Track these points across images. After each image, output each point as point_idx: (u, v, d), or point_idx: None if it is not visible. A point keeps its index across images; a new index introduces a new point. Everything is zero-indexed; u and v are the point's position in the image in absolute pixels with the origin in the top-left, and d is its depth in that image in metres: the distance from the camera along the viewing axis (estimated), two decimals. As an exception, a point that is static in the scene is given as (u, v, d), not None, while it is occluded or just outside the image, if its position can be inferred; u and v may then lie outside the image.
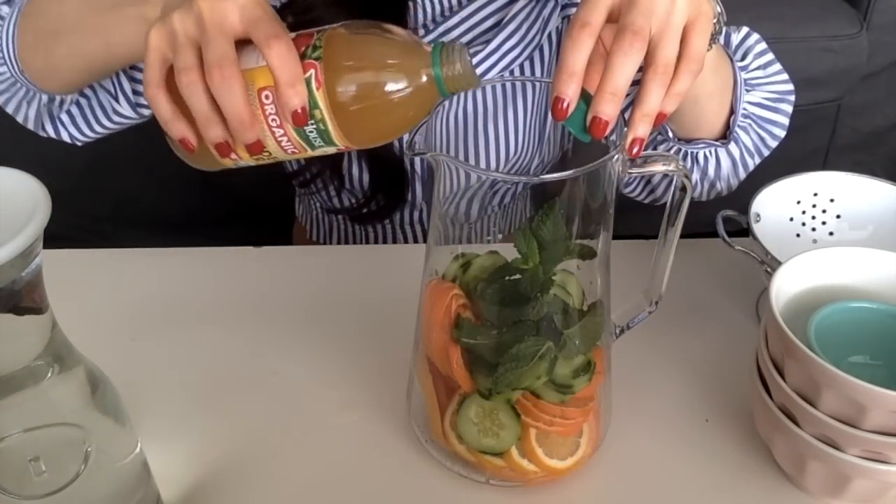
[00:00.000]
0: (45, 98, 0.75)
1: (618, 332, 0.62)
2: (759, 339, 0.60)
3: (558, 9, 0.86)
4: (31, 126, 0.79)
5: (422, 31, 0.83)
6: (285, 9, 0.80)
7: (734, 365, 0.69)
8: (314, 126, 0.51)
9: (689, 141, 0.76)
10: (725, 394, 0.68)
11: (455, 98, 0.80)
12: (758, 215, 0.73)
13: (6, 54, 0.71)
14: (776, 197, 0.76)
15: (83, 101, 0.77)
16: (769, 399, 0.59)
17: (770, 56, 0.80)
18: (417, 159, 0.86)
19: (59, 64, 0.69)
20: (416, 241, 0.97)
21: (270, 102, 0.51)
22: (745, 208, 0.73)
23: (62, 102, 0.77)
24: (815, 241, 0.78)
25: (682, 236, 0.59)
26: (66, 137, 0.79)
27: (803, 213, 0.78)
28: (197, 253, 0.84)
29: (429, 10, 0.82)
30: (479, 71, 0.84)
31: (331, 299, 0.78)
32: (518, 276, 0.56)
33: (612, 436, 0.63)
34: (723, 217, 0.73)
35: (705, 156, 0.78)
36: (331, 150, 0.53)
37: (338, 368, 0.71)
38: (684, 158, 0.78)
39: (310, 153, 0.53)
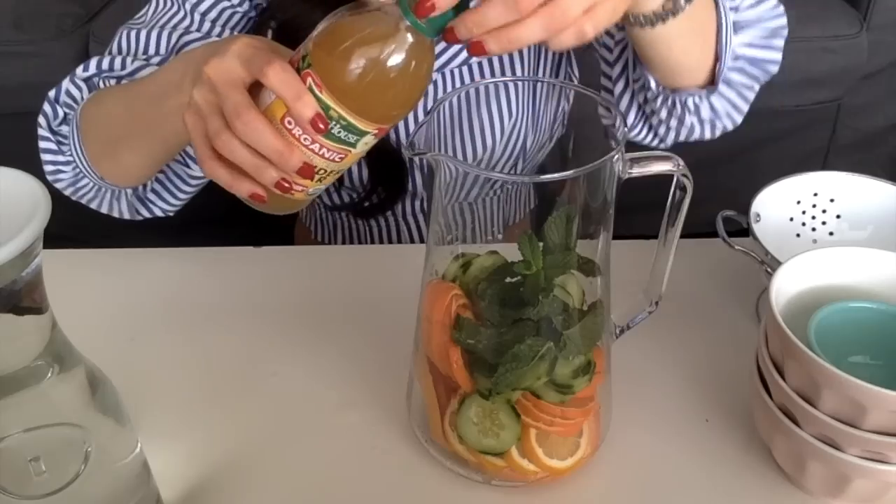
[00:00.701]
0: (129, 190, 0.81)
1: (618, 332, 0.62)
2: (759, 339, 0.60)
3: None
4: (126, 217, 0.84)
5: None
6: (265, 13, 0.82)
7: (734, 365, 0.69)
8: (337, 125, 0.52)
9: (674, 90, 0.75)
10: (725, 394, 0.68)
11: (446, 85, 0.82)
12: (758, 215, 0.73)
13: (83, 168, 0.78)
14: (776, 197, 0.76)
15: (161, 177, 0.82)
16: (769, 399, 0.59)
17: None
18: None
19: (128, 165, 0.75)
20: (419, 231, 0.97)
21: (294, 125, 0.53)
22: (745, 208, 0.73)
23: (145, 186, 0.82)
24: (815, 241, 0.77)
25: (682, 236, 0.59)
26: (159, 213, 0.84)
27: (803, 213, 0.78)
28: (197, 253, 0.84)
29: None
30: (465, 53, 0.83)
31: (331, 299, 0.78)
32: (519, 279, 0.56)
33: (612, 436, 0.63)
34: (723, 217, 0.73)
35: (695, 102, 0.77)
36: (370, 139, 0.54)
37: (338, 368, 0.71)
38: (673, 106, 0.77)
39: (356, 151, 0.54)
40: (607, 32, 0.81)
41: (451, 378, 0.57)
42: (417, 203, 0.95)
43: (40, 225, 0.40)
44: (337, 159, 0.54)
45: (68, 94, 0.80)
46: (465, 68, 0.86)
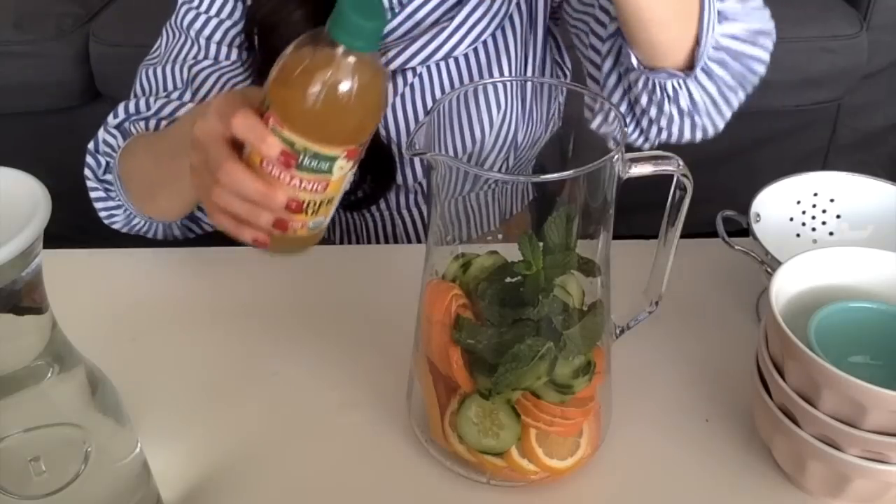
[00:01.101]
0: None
1: (618, 332, 0.62)
2: (759, 339, 0.60)
3: None
4: (180, 237, 0.89)
5: (389, 15, 0.84)
6: (248, 13, 0.84)
7: (734, 365, 0.69)
8: (305, 156, 0.54)
9: (653, 69, 0.75)
10: (725, 394, 0.68)
11: (432, 78, 0.83)
12: (758, 215, 0.73)
13: (132, 209, 0.85)
14: (776, 197, 0.76)
15: None
16: (769, 399, 0.59)
17: None
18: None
19: (167, 207, 0.80)
20: (414, 225, 0.97)
21: (271, 166, 0.55)
22: (745, 208, 0.73)
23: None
24: (815, 241, 0.77)
25: (682, 236, 0.59)
26: (209, 229, 0.88)
27: (803, 213, 0.78)
28: (197, 253, 0.84)
29: None
30: (448, 46, 0.85)
31: (331, 299, 0.78)
32: (519, 279, 0.56)
33: (612, 436, 0.63)
34: (723, 217, 0.73)
35: (674, 87, 0.75)
36: (343, 163, 0.55)
37: (338, 368, 0.71)
38: (653, 90, 0.76)
39: (335, 177, 0.56)
40: (600, 22, 0.82)
41: (450, 378, 0.57)
42: (412, 197, 0.95)
43: (40, 225, 0.40)
44: (319, 189, 0.56)
45: (105, 143, 0.85)
46: (451, 61, 0.86)
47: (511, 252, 0.56)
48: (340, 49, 0.52)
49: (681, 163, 0.55)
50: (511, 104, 0.87)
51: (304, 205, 0.56)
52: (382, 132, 0.88)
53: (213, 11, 0.86)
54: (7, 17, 1.73)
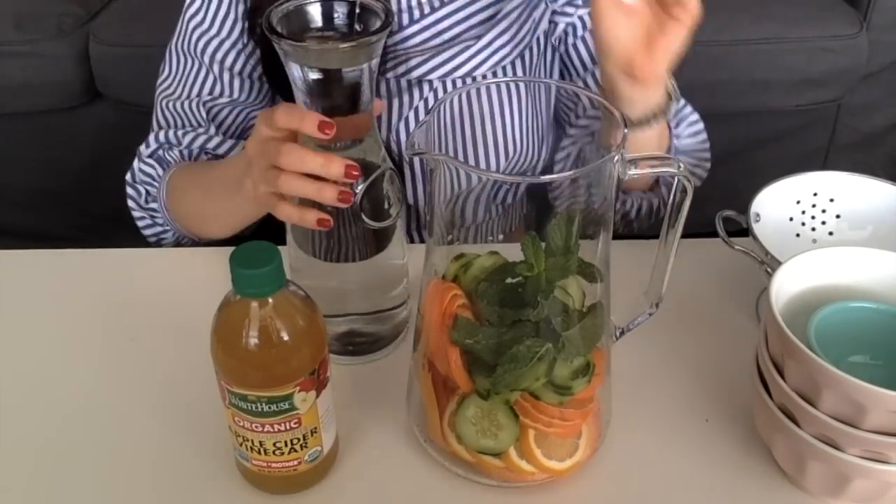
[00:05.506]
0: None
1: (618, 333, 0.62)
2: (759, 339, 0.60)
3: (549, 13, 0.87)
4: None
5: (406, 21, 0.84)
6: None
7: (734, 365, 0.69)
8: (261, 404, 0.55)
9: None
10: (725, 394, 0.68)
11: (451, 100, 0.82)
12: (758, 215, 0.73)
13: (182, 232, 0.89)
14: (776, 197, 0.76)
15: None
16: (769, 399, 0.59)
17: (700, 126, 0.87)
18: (417, 160, 0.86)
19: (217, 233, 0.85)
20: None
21: (242, 421, 0.56)
22: (745, 208, 0.73)
23: None
24: (815, 241, 0.77)
25: (682, 236, 0.59)
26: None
27: (803, 213, 0.77)
28: (197, 253, 0.84)
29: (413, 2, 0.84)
30: (470, 65, 0.85)
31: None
32: (519, 279, 0.55)
33: (611, 436, 0.63)
34: (723, 217, 0.73)
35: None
36: (302, 395, 0.56)
37: (337, 367, 0.70)
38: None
39: (302, 411, 0.56)
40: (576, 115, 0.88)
41: (449, 378, 0.57)
42: (415, 223, 0.93)
43: None
44: (294, 425, 0.56)
45: (143, 172, 0.88)
46: (468, 80, 0.86)
47: (512, 252, 0.56)
48: (239, 299, 0.53)
49: (682, 164, 0.55)
50: (528, 140, 0.87)
51: (289, 443, 0.57)
52: (393, 146, 0.86)
53: (224, 33, 0.86)
54: (7, 17, 1.73)
